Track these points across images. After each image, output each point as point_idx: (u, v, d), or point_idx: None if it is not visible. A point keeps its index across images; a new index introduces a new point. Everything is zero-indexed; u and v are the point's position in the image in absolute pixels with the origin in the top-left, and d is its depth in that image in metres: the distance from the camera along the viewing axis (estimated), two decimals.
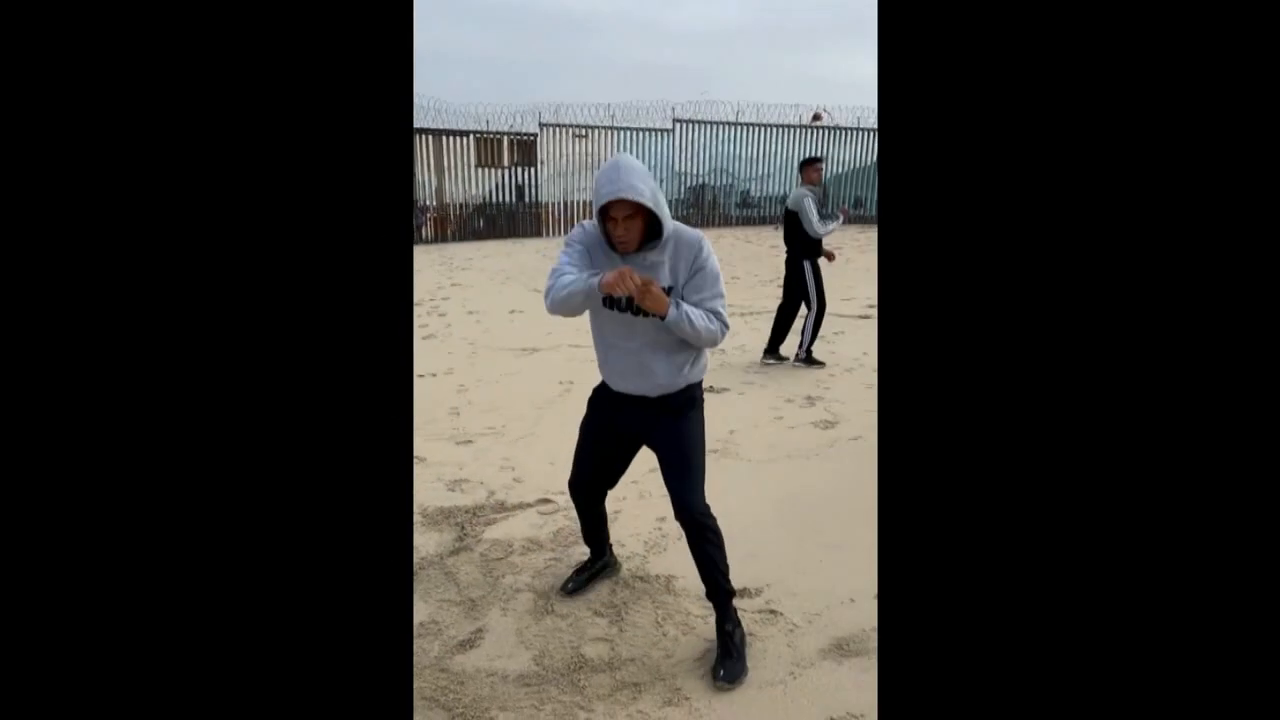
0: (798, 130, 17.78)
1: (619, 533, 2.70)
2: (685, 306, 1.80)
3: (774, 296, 8.02)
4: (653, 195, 1.74)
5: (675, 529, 2.73)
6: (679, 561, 2.52)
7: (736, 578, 2.41)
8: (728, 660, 1.91)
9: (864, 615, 2.18)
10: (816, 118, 18.37)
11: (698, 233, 1.87)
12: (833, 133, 17.97)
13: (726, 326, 1.86)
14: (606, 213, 1.76)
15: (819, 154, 15.70)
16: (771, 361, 5.08)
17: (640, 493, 3.06)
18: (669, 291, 1.83)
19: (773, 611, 2.21)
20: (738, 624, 2.00)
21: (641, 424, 2.00)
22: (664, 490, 3.02)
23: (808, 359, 5.01)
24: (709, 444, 3.54)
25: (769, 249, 12.35)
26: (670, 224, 1.81)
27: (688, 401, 1.97)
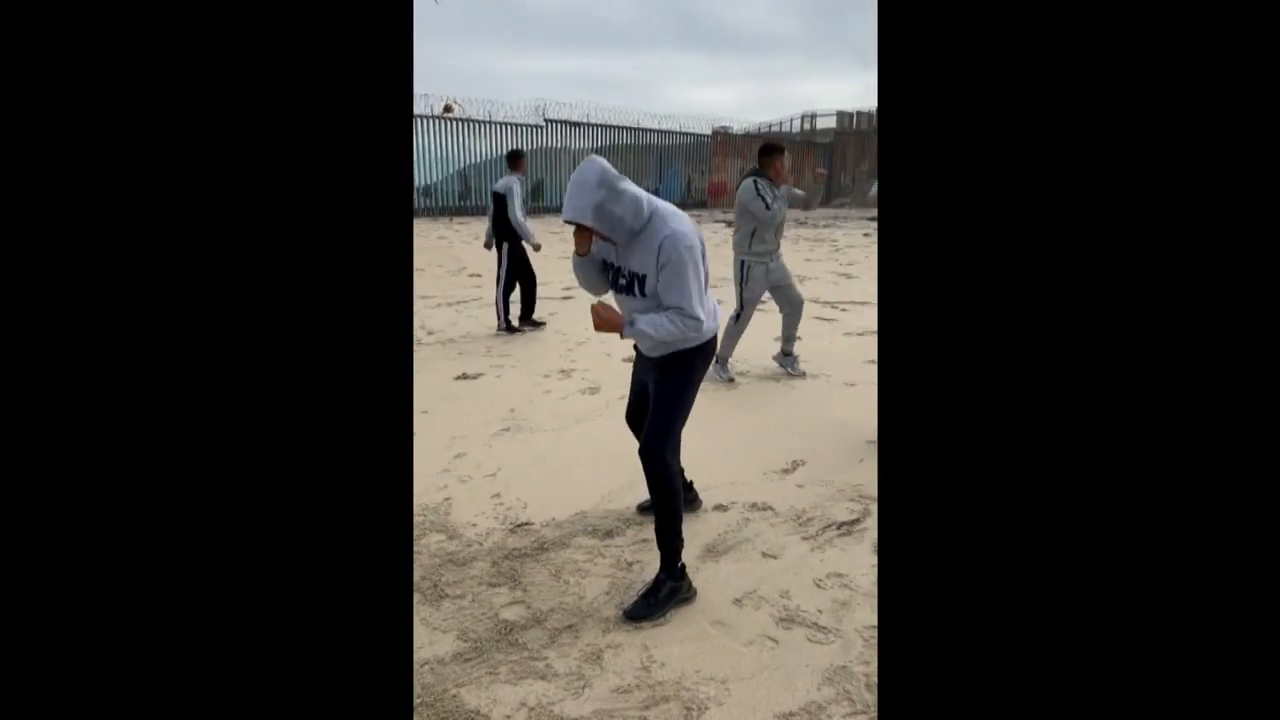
0: (431, 121, 17.67)
1: (460, 517, 2.73)
2: (640, 322, 1.98)
3: (468, 285, 8.11)
4: (595, 210, 1.91)
5: (517, 500, 2.87)
6: (536, 523, 2.68)
7: (600, 524, 2.68)
8: (642, 599, 2.11)
9: (712, 527, 2.63)
10: (448, 109, 18.43)
11: (665, 232, 1.95)
12: (465, 125, 18.26)
13: (694, 319, 1.97)
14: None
15: (460, 144, 16.00)
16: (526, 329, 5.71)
17: (459, 478, 3.08)
18: (644, 280, 2.00)
19: (644, 540, 2.53)
20: (671, 576, 2.13)
21: (648, 374, 2.25)
22: (486, 471, 3.13)
23: (509, 327, 5.69)
24: (496, 424, 3.69)
25: (461, 240, 12.23)
26: (633, 219, 1.95)
27: (680, 364, 2.14)
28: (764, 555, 2.43)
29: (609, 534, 2.58)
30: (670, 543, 2.14)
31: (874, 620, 2.07)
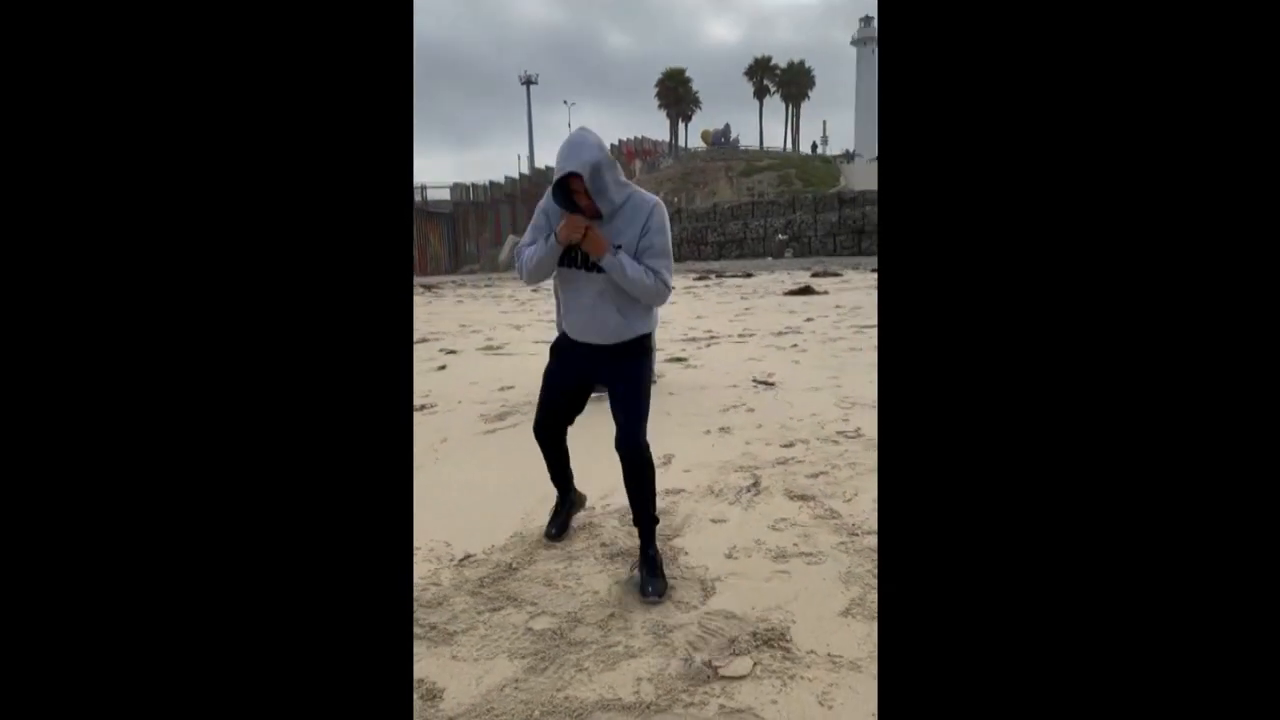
0: None
1: None
2: (623, 255, 2.06)
3: None
4: (591, 171, 1.98)
5: (436, 541, 2.66)
6: (478, 553, 2.59)
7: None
8: (655, 579, 2.18)
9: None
10: None
11: (651, 200, 2.12)
12: None
13: (667, 285, 2.12)
14: (566, 185, 2.01)
15: None
16: None
17: None
18: (619, 250, 2.08)
19: (595, 538, 2.60)
20: (655, 548, 2.29)
21: (595, 368, 2.27)
22: None
23: None
24: None
25: None
26: (617, 194, 2.06)
27: (636, 349, 2.24)
28: (713, 522, 2.70)
29: (565, 542, 2.58)
30: (652, 515, 2.29)
31: (838, 539, 2.51)
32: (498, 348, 7.56)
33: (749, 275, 18.18)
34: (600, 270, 2.12)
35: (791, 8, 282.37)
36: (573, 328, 2.27)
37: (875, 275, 16.75)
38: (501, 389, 5.24)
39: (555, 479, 2.62)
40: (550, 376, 2.40)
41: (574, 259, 2.15)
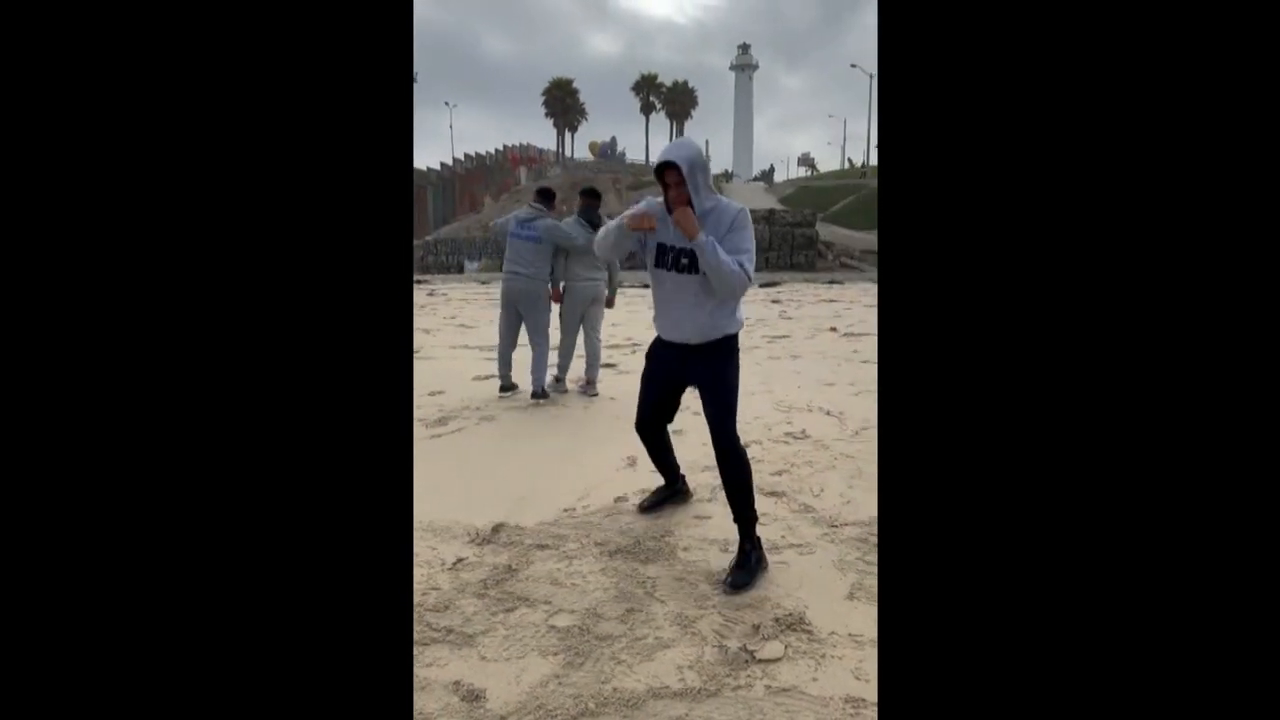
0: None
1: None
2: (714, 240, 2.14)
3: None
4: (689, 166, 2.14)
5: (421, 545, 2.57)
6: (469, 557, 2.54)
7: (533, 539, 2.71)
8: (739, 570, 2.23)
9: (627, 514, 2.84)
10: None
11: (736, 205, 2.26)
12: None
13: (749, 277, 2.20)
14: (662, 176, 2.21)
15: None
16: None
17: None
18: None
19: (587, 536, 2.61)
20: (756, 545, 2.30)
21: (686, 367, 2.39)
22: None
23: None
24: None
25: None
26: (707, 195, 2.21)
27: (725, 349, 2.34)
28: (697, 519, 2.78)
29: (557, 542, 2.57)
30: (748, 513, 2.32)
31: (820, 531, 2.65)
32: (414, 352, 7.29)
33: (647, 285, 18.55)
34: (690, 273, 2.24)
35: (669, 27, 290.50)
36: (664, 329, 2.39)
37: (766, 290, 17.52)
38: (431, 394, 5.08)
39: (659, 468, 2.84)
40: (646, 378, 2.55)
41: (665, 261, 2.28)
